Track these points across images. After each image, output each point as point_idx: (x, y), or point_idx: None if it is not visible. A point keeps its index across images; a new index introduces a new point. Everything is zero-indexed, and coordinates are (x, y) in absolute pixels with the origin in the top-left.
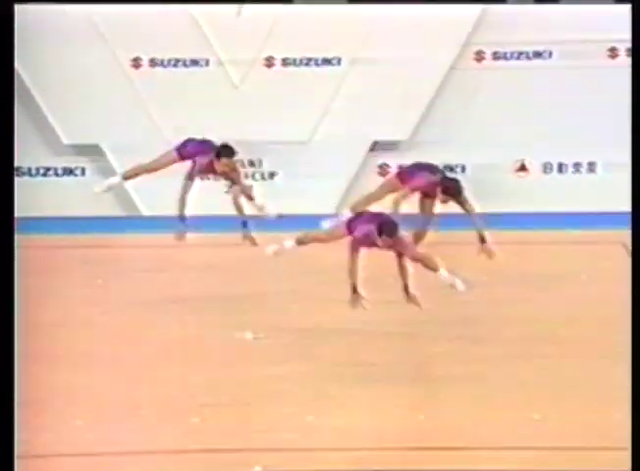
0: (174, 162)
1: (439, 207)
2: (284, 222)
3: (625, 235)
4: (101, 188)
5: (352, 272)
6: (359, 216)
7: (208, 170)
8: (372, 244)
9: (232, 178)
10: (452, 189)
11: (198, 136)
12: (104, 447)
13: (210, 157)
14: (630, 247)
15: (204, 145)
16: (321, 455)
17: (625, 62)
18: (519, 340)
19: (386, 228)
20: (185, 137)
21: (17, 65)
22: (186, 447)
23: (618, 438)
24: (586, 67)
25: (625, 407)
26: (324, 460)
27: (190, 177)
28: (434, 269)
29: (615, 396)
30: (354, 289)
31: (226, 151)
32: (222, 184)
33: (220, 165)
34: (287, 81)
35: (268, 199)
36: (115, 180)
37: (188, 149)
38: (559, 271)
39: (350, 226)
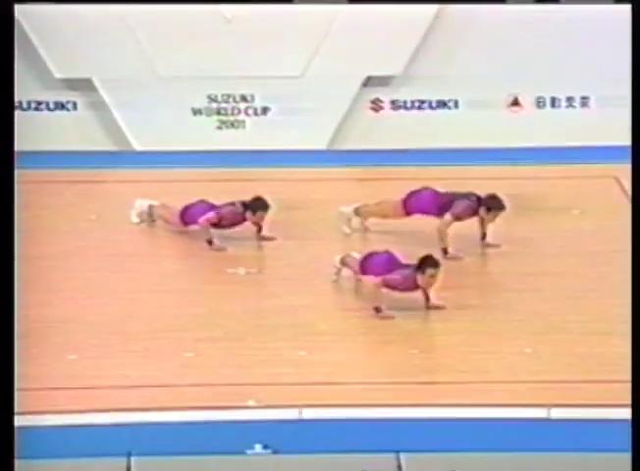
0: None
1: None
2: (277, 157)
3: (617, 168)
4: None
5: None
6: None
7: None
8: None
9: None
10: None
11: (191, 72)
12: (98, 381)
13: (241, 215)
14: (622, 181)
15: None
16: (314, 390)
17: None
18: (512, 273)
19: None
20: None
21: None
22: (179, 382)
23: (616, 371)
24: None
25: (622, 340)
26: (317, 394)
27: (219, 228)
28: None
29: (611, 329)
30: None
31: (261, 205)
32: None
33: (255, 218)
34: (279, 15)
35: (261, 134)
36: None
37: (192, 214)
38: (551, 205)
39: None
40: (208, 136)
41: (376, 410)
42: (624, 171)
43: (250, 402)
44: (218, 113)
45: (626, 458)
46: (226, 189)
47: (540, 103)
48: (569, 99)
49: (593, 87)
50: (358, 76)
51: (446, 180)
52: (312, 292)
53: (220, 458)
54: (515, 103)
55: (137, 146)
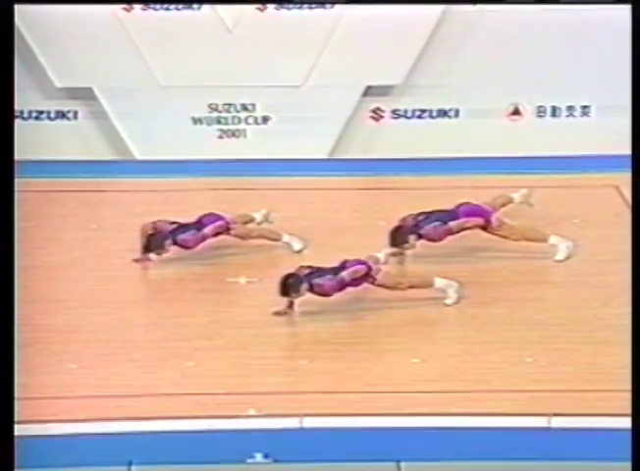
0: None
1: None
2: (278, 166)
3: (618, 178)
4: None
5: None
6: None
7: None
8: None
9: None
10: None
11: (191, 81)
12: (98, 390)
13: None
14: (623, 190)
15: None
16: (315, 399)
17: (621, 6)
18: (512, 283)
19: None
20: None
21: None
22: (180, 391)
23: (617, 380)
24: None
25: (622, 349)
26: (317, 403)
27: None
28: (430, 285)
29: (611, 338)
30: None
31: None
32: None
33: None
34: (280, 25)
35: (262, 143)
36: None
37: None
38: (551, 214)
39: None
40: (209, 146)
41: (377, 419)
42: (625, 180)
43: (251, 411)
44: (219, 122)
45: (627, 467)
46: (226, 199)
47: (540, 112)
48: (570, 108)
49: (594, 97)
50: (359, 85)
51: (446, 189)
52: (312, 301)
53: (220, 467)
54: (516, 112)
55: (138, 155)
